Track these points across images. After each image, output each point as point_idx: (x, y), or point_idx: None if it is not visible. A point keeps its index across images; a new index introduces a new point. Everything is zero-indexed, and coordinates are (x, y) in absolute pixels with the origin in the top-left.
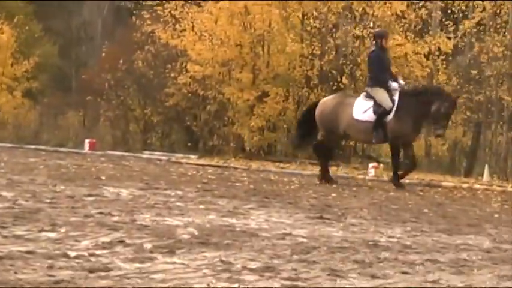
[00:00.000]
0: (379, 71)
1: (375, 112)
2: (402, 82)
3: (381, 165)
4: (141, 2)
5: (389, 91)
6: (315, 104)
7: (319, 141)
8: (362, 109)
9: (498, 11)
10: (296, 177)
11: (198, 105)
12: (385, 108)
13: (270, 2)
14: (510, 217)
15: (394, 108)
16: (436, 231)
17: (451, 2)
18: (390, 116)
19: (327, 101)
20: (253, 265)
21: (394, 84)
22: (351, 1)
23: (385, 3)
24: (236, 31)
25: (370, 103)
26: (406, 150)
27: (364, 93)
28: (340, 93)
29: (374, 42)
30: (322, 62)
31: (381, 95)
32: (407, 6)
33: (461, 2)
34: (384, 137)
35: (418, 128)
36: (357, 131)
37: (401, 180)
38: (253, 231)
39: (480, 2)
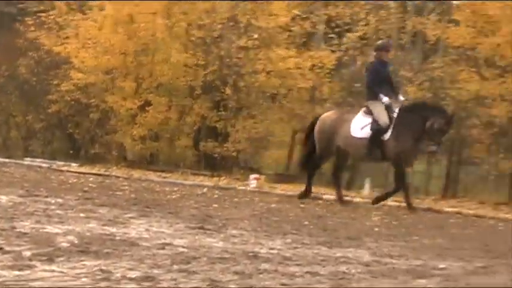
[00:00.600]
0: (374, 84)
1: (372, 129)
2: (402, 98)
3: (263, 176)
4: (24, 8)
5: (390, 107)
6: (316, 120)
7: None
8: (360, 125)
9: (381, 26)
10: (178, 187)
11: (80, 112)
12: (381, 125)
13: (155, 11)
14: (390, 231)
15: (392, 126)
16: (317, 243)
17: (335, 15)
18: (388, 134)
19: (326, 117)
20: (132, 274)
21: (385, 99)
22: (236, 12)
23: (270, 15)
24: (120, 39)
25: (369, 119)
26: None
27: (364, 109)
28: (340, 108)
29: (375, 53)
30: (206, 72)
31: (378, 110)
32: (292, 18)
33: (345, 15)
34: (382, 156)
35: (418, 146)
36: (355, 148)
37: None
38: (133, 241)
39: (363, 16)
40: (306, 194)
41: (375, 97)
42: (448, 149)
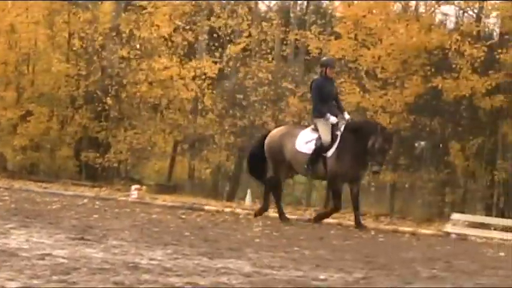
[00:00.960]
0: (318, 101)
1: (315, 145)
2: (347, 116)
3: (144, 187)
4: None
5: (335, 125)
6: (265, 136)
7: (272, 176)
8: (305, 140)
9: (264, 38)
10: (58, 198)
11: None
12: (321, 142)
13: (36, 20)
14: (271, 242)
15: (336, 144)
16: (197, 254)
17: (217, 26)
18: (330, 152)
19: (274, 132)
20: (12, 285)
21: (332, 118)
22: (117, 22)
23: (153, 26)
24: (1, 49)
25: (315, 135)
26: (351, 188)
27: (312, 125)
28: (289, 124)
29: (320, 70)
30: (88, 83)
31: (323, 127)
32: (174, 29)
33: (228, 26)
34: (323, 173)
35: (359, 165)
36: (298, 163)
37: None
38: (13, 251)
39: (246, 28)
40: (281, 217)
41: (320, 114)
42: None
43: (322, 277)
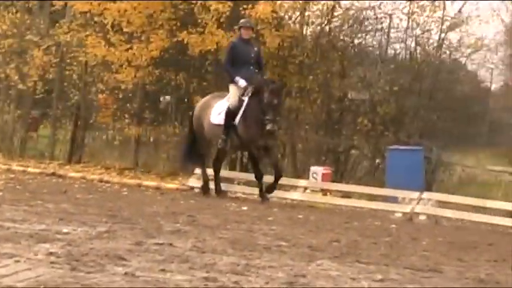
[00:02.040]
0: (230, 65)
1: (225, 114)
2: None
3: None
4: None
5: (245, 90)
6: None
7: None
8: (218, 111)
9: None
10: None
11: None
12: (228, 108)
13: None
14: (14, 196)
15: (241, 110)
16: None
17: None
18: (237, 119)
19: (198, 104)
20: None
21: (241, 81)
22: None
23: None
24: None
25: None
26: (267, 156)
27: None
28: (212, 94)
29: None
30: None
31: (232, 93)
32: None
33: None
34: (235, 143)
35: (262, 128)
36: (215, 136)
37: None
38: None
39: None
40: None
41: (230, 79)
42: (74, 114)
43: (65, 230)
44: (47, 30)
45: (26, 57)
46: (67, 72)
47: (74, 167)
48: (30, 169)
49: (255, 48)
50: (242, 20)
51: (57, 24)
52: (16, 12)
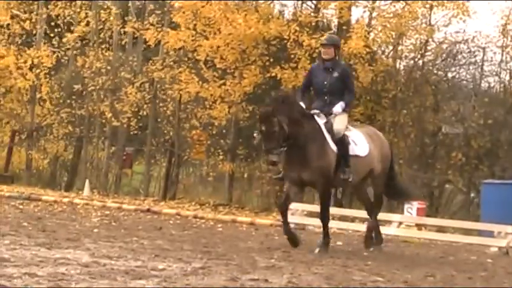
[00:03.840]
0: (300, 91)
1: None
2: (335, 110)
3: None
4: None
5: None
6: None
7: None
8: None
9: (102, 27)
10: None
11: None
12: None
13: None
14: (109, 232)
15: None
16: (35, 244)
17: (55, 14)
18: None
19: None
20: None
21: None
22: None
23: None
24: None
25: None
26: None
27: None
28: None
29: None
30: None
31: None
32: (11, 18)
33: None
34: None
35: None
36: None
37: None
38: None
39: (83, 16)
40: None
41: None
42: (168, 150)
43: (160, 267)
44: (140, 68)
45: (119, 94)
46: (161, 109)
47: (169, 204)
48: (125, 206)
49: (335, 74)
50: (325, 37)
51: (150, 61)
52: (110, 49)
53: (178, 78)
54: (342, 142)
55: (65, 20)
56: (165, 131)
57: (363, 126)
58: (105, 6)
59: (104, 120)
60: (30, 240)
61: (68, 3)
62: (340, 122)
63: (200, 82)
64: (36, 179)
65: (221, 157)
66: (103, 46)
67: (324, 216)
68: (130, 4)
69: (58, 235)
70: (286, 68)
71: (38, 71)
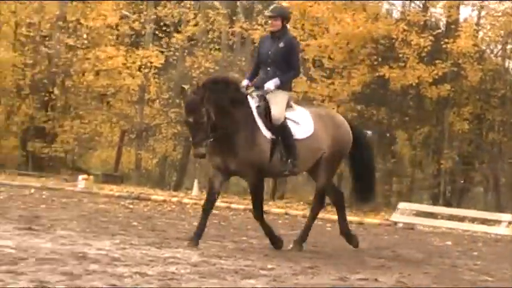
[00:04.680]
0: (253, 65)
1: None
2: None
3: (91, 177)
4: None
5: None
6: None
7: None
8: None
9: (210, 27)
10: (5, 188)
11: None
12: None
13: None
14: (219, 232)
15: None
16: (145, 244)
17: (163, 15)
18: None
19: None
20: None
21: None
22: (65, 11)
23: (100, 15)
24: None
25: None
26: None
27: None
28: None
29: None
30: (34, 72)
31: None
32: (121, 19)
33: (174, 15)
34: None
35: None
36: None
37: None
38: None
39: (191, 16)
40: None
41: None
42: None
43: (270, 266)
44: (248, 67)
45: None
46: None
47: (277, 203)
48: (234, 205)
49: (280, 44)
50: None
51: None
52: (218, 49)
53: None
54: (282, 129)
55: (174, 20)
56: None
57: (316, 106)
58: (214, 7)
59: None
60: (140, 239)
61: (177, 4)
62: (278, 106)
63: (308, 82)
64: (145, 179)
65: None
66: (211, 46)
67: (256, 210)
68: (238, 4)
69: (167, 234)
70: (394, 67)
71: (146, 71)
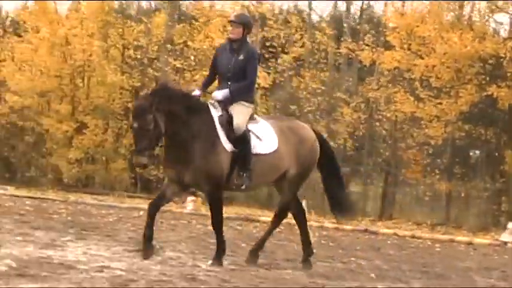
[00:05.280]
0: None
1: None
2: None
3: (199, 198)
4: None
5: None
6: None
7: None
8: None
9: (317, 47)
10: (114, 210)
11: (16, 135)
12: None
13: (91, 33)
14: (327, 252)
15: None
16: (254, 265)
17: (270, 36)
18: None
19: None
20: None
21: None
22: (172, 33)
23: (207, 37)
24: (56, 62)
25: None
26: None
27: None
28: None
29: None
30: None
31: None
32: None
33: (282, 35)
34: None
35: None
36: None
37: None
38: (71, 264)
39: (298, 37)
40: None
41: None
42: (384, 170)
43: (380, 287)
44: (355, 88)
45: (335, 114)
46: (376, 129)
47: (386, 223)
48: (342, 226)
49: (240, 57)
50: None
51: (365, 81)
52: (325, 70)
53: (393, 97)
54: (242, 139)
55: (280, 42)
56: (381, 151)
57: (281, 118)
58: (320, 28)
59: None
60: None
61: (284, 25)
62: (240, 116)
63: (415, 101)
64: (253, 200)
65: (437, 176)
66: (318, 67)
67: (216, 222)
68: (345, 25)
69: (276, 256)
70: (502, 86)
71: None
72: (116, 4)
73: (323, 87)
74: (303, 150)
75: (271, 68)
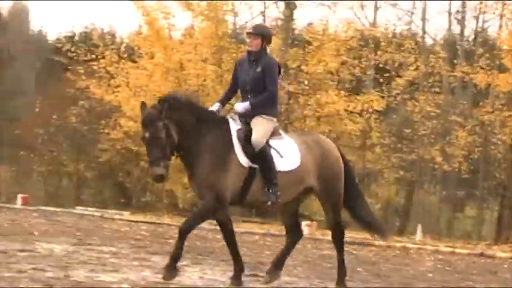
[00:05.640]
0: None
1: None
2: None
3: (314, 223)
4: (75, 57)
5: None
6: None
7: None
8: None
9: (431, 71)
10: None
11: (131, 161)
12: None
13: (204, 58)
14: (443, 276)
15: None
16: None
17: (384, 60)
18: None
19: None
20: None
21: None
22: (286, 57)
23: (320, 62)
24: (170, 87)
25: None
26: None
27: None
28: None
29: None
30: None
31: None
32: (341, 64)
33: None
34: None
35: None
36: None
37: None
38: None
39: (412, 61)
40: None
41: None
42: (500, 194)
43: None
44: (470, 111)
45: (450, 138)
46: (491, 152)
47: (502, 247)
48: (458, 250)
49: (258, 69)
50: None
51: (480, 104)
52: (439, 93)
53: (508, 120)
54: (263, 155)
55: (394, 65)
56: (497, 175)
57: (308, 133)
58: (434, 51)
59: (434, 165)
60: (365, 285)
61: (398, 49)
62: (259, 130)
63: None
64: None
65: None
66: (432, 90)
67: (187, 226)
68: (458, 48)
69: (392, 280)
70: None
71: (367, 116)
72: (229, 29)
73: (437, 111)
74: (328, 161)
75: (385, 92)
